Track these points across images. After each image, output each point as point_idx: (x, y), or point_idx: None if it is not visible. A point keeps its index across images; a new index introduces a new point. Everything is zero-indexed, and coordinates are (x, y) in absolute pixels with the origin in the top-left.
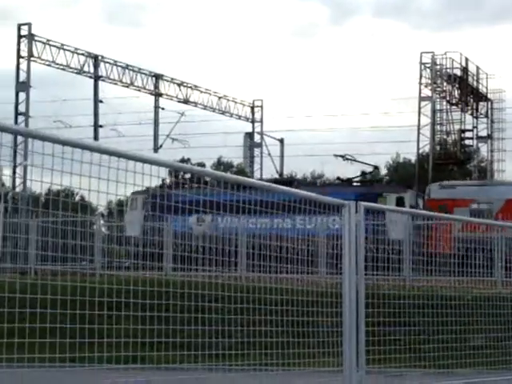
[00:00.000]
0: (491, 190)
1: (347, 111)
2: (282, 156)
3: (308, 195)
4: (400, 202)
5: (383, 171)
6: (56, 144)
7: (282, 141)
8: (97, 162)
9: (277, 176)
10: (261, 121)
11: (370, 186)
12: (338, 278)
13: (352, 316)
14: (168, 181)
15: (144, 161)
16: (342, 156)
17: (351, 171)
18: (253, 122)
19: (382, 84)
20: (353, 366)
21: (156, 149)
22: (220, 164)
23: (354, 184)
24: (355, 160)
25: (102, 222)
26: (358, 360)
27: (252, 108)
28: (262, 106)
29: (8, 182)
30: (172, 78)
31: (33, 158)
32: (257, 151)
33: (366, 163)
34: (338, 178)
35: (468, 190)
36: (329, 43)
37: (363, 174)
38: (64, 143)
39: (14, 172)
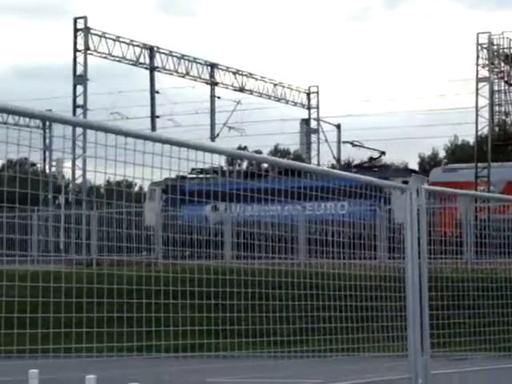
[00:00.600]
0: (492, 172)
1: (403, 95)
2: (338, 142)
3: (369, 180)
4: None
5: (441, 154)
6: (118, 135)
7: (338, 126)
8: (158, 152)
9: (334, 162)
10: (317, 107)
11: (377, 171)
12: (401, 262)
13: (415, 300)
14: (226, 169)
15: (205, 149)
16: (350, 142)
17: (410, 157)
18: (309, 108)
19: (437, 66)
20: (417, 350)
21: (213, 138)
22: (277, 151)
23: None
24: (363, 146)
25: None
26: (423, 344)
27: (308, 94)
28: (317, 92)
29: (68, 175)
30: (227, 67)
31: (96, 149)
32: (313, 137)
33: (373, 149)
34: (349, 165)
35: (470, 173)
36: (383, 27)
37: (371, 159)
38: (126, 134)
39: (74, 164)
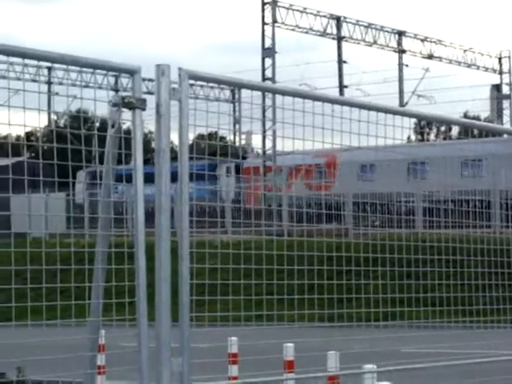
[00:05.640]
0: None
1: None
2: None
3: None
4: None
5: None
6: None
7: None
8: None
9: None
10: (509, 72)
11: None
12: None
13: None
14: (413, 137)
15: (394, 112)
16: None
17: None
18: (500, 73)
19: None
20: None
21: (402, 106)
22: (466, 118)
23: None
24: None
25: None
26: None
27: (499, 59)
28: (509, 57)
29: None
30: (415, 34)
31: (313, 118)
32: (505, 103)
33: None
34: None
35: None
36: None
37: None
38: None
39: (264, 133)
